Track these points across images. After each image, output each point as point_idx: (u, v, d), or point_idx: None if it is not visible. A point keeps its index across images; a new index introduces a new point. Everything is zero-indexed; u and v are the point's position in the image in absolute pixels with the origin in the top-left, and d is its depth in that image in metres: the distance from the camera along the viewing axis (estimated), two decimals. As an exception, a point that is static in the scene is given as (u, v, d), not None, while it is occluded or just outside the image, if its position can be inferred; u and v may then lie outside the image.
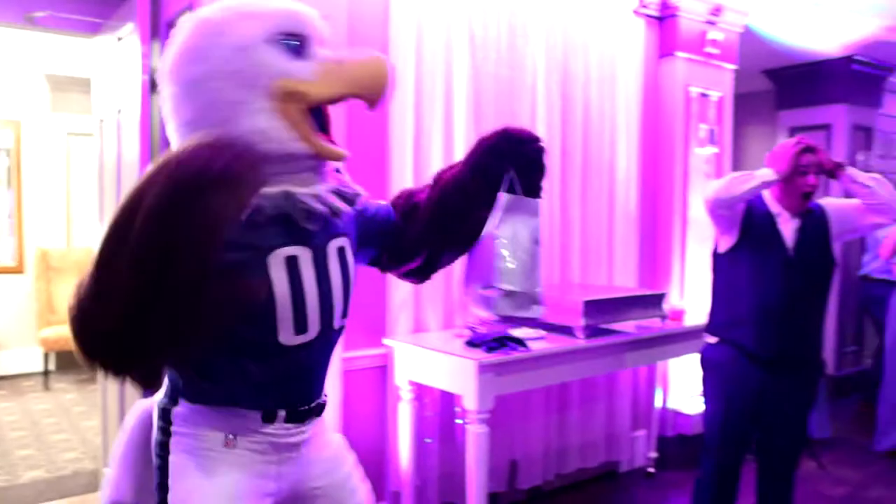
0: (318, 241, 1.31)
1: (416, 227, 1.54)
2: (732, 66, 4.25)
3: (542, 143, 1.56)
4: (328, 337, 1.36)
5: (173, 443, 1.29)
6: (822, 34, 4.80)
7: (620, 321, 3.10)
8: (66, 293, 5.99)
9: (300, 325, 1.27)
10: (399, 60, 2.90)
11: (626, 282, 3.77)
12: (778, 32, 4.74)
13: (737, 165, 5.01)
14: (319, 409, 1.42)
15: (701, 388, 2.76)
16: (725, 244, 2.64)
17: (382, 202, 1.60)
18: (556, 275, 3.47)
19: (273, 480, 1.34)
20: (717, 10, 4.04)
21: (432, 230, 1.54)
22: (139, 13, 2.72)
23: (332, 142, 1.34)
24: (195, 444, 1.28)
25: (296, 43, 1.23)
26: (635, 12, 3.76)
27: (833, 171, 2.48)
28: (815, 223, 2.55)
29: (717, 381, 2.66)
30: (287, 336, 1.26)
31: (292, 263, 1.26)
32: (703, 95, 4.08)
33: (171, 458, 1.29)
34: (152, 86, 2.75)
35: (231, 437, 1.29)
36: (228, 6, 1.24)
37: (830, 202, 2.64)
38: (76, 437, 4.48)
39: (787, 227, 2.55)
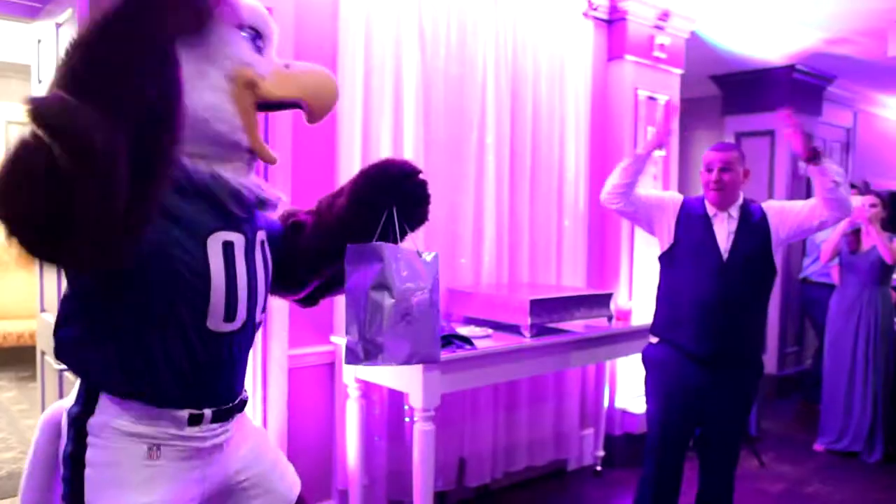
0: (248, 231, 1.31)
1: (296, 256, 1.51)
2: (679, 71, 4.33)
3: (422, 178, 1.52)
4: (250, 329, 1.35)
5: (89, 455, 1.21)
6: (766, 43, 4.93)
7: (567, 321, 3.12)
8: (4, 288, 5.78)
9: (229, 313, 1.26)
10: (348, 56, 2.87)
11: (574, 282, 3.80)
12: (724, 39, 4.85)
13: (683, 168, 5.12)
14: (242, 405, 1.40)
15: (643, 387, 2.80)
16: (663, 245, 2.72)
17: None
18: (505, 274, 3.47)
19: (198, 484, 1.30)
20: (664, 16, 4.11)
21: (311, 262, 1.51)
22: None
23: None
24: (114, 458, 1.21)
25: (257, 38, 1.29)
26: (584, 14, 3.80)
27: (810, 158, 2.48)
28: (753, 225, 2.60)
29: (658, 380, 2.71)
30: (216, 322, 1.24)
31: (228, 249, 1.25)
32: (651, 98, 4.14)
33: (88, 472, 1.20)
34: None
35: (154, 448, 1.23)
36: None
37: (773, 205, 2.68)
38: (15, 436, 4.31)
39: (722, 229, 2.60)
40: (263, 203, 1.32)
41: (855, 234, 4.31)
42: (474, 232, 3.33)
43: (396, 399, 3.07)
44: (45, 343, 3.19)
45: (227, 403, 1.33)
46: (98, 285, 1.19)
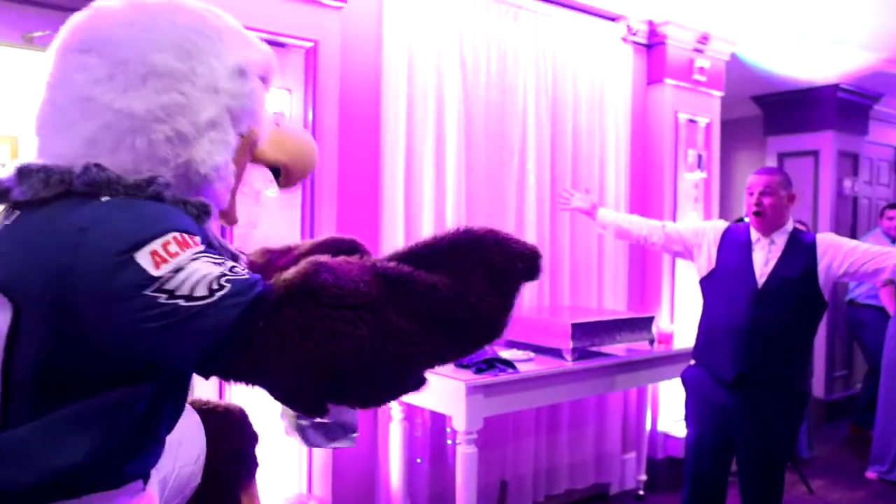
0: None
1: None
2: (719, 93, 4.33)
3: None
4: None
5: None
6: (808, 63, 4.89)
7: (609, 344, 3.12)
8: None
9: None
10: (391, 85, 2.95)
11: (615, 305, 3.80)
12: (765, 60, 4.83)
13: (724, 190, 5.08)
14: None
15: (684, 410, 2.81)
16: (703, 271, 2.75)
17: None
18: (547, 297, 3.50)
19: None
20: (704, 39, 4.12)
21: None
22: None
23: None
24: None
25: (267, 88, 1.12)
26: (623, 39, 3.84)
27: None
28: (797, 254, 2.57)
29: (692, 401, 2.75)
30: None
31: None
32: (692, 121, 4.14)
33: None
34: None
35: None
36: (223, 17, 1.05)
37: (827, 238, 2.62)
38: None
39: (761, 255, 2.61)
40: (235, 257, 1.13)
41: None
42: (515, 256, 3.36)
43: (439, 422, 3.10)
44: None
45: None
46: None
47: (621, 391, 3.78)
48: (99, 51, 0.94)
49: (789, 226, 2.62)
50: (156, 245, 0.84)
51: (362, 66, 2.95)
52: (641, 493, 3.89)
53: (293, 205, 2.59)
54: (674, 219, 4.03)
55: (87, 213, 0.88)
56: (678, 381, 2.94)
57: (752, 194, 2.61)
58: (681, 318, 3.97)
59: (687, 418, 2.80)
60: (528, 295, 3.40)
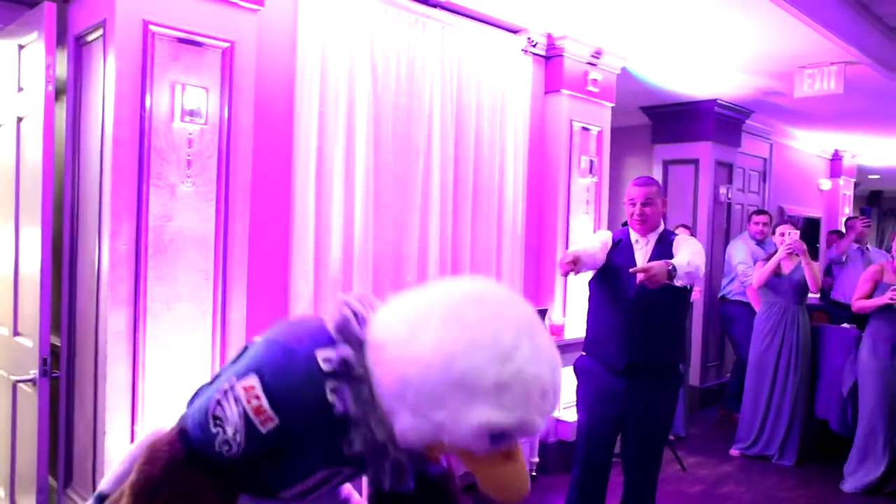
0: None
1: None
2: (610, 104, 4.69)
3: None
4: None
5: None
6: (691, 79, 5.35)
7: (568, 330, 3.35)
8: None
9: None
10: (304, 87, 3.08)
11: (512, 298, 4.06)
12: (652, 75, 5.25)
13: (614, 194, 5.47)
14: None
15: (575, 396, 3.07)
16: (593, 272, 3.00)
17: None
18: (449, 290, 3.71)
19: None
20: (597, 53, 4.46)
21: None
22: (46, 24, 2.75)
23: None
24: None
25: (503, 437, 1.22)
26: (524, 51, 4.11)
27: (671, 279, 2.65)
28: (662, 251, 2.86)
29: (584, 387, 3.00)
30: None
31: None
32: (585, 129, 4.48)
33: None
34: (56, 95, 2.79)
35: None
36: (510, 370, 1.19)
37: (681, 239, 2.91)
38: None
39: (641, 255, 2.90)
40: None
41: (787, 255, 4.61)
42: (419, 252, 3.57)
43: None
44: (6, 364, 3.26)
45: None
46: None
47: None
48: None
49: (661, 227, 2.95)
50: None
51: (277, 67, 3.06)
52: (534, 474, 4.18)
53: (208, 199, 2.68)
54: (567, 220, 4.35)
55: None
56: (570, 369, 3.21)
57: (634, 204, 2.89)
58: (572, 312, 4.29)
59: (578, 405, 3.04)
60: (432, 288, 3.61)
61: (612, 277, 2.91)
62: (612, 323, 2.88)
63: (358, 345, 1.29)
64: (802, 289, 4.64)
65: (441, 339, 1.21)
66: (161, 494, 1.27)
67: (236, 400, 1.24)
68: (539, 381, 1.21)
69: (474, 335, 1.20)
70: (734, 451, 4.84)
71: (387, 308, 1.35)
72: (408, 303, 1.32)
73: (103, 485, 1.68)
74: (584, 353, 3.04)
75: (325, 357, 1.25)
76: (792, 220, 4.90)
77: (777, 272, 4.65)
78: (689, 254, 2.71)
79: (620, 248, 2.94)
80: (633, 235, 2.94)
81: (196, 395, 1.45)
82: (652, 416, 2.91)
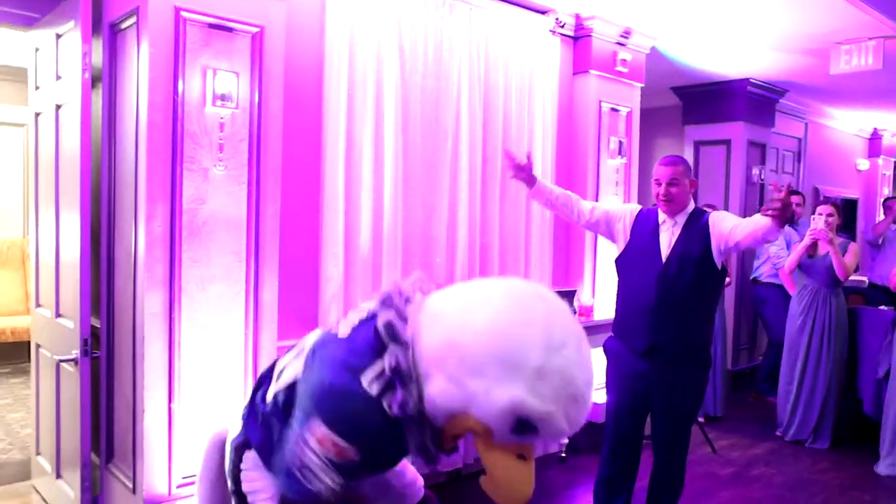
0: None
1: None
2: (640, 84, 4.64)
3: None
4: None
5: (243, 476, 1.63)
6: (722, 58, 5.27)
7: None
8: (-13, 286, 5.88)
9: None
10: (333, 71, 3.11)
11: (541, 280, 4.07)
12: (683, 54, 5.18)
13: (643, 175, 5.42)
14: None
15: (605, 377, 3.07)
16: (617, 250, 2.99)
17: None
18: (477, 273, 3.73)
19: None
20: (626, 33, 4.41)
21: None
22: (82, 12, 2.82)
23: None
24: (261, 485, 1.60)
25: (527, 427, 1.30)
26: (552, 32, 4.09)
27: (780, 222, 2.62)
28: (694, 231, 2.81)
29: (613, 368, 3.00)
30: None
31: None
32: (614, 110, 4.44)
33: (244, 487, 1.62)
34: (93, 83, 2.86)
35: None
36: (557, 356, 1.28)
37: (718, 214, 2.86)
38: (2, 429, 4.45)
39: (667, 236, 2.84)
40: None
41: (812, 242, 4.51)
42: (448, 233, 3.59)
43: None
44: (39, 336, 3.37)
45: None
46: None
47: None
48: None
49: (690, 207, 2.88)
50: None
51: (306, 51, 3.10)
52: (564, 455, 4.20)
53: (240, 182, 2.74)
54: (596, 201, 4.32)
55: None
56: (599, 350, 3.21)
57: (659, 184, 2.83)
58: (601, 293, 4.28)
59: (608, 385, 3.04)
60: (459, 270, 3.63)
61: (635, 258, 2.88)
62: (636, 304, 2.86)
63: (401, 316, 1.37)
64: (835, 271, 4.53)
65: (499, 313, 1.28)
66: None
67: (316, 454, 1.36)
68: (575, 384, 1.27)
69: (531, 318, 1.27)
70: (780, 432, 4.80)
71: (449, 288, 1.44)
72: (469, 285, 1.42)
73: None
74: (612, 335, 3.04)
75: (370, 381, 1.35)
76: (832, 202, 4.73)
77: (811, 254, 4.56)
78: (743, 226, 2.72)
79: (646, 228, 2.89)
80: (661, 216, 2.90)
81: (246, 417, 1.66)
82: (676, 399, 2.88)
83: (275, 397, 1.57)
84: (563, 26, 4.16)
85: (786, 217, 2.54)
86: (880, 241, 6.22)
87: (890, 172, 9.05)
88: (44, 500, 3.34)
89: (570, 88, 4.35)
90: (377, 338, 1.37)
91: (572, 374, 1.27)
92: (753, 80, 5.91)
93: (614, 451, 2.98)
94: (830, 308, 4.56)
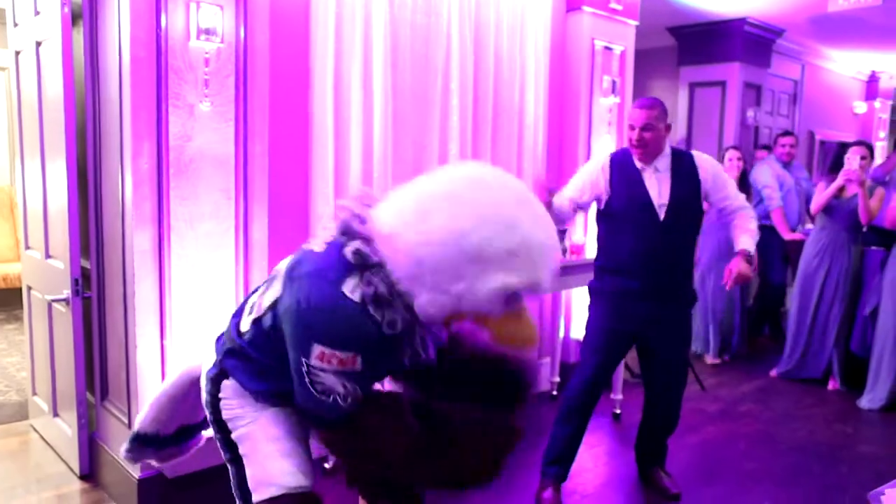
0: None
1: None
2: (635, 22, 4.55)
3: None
4: None
5: (223, 403, 1.65)
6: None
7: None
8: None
9: None
10: (319, 5, 3.04)
11: (533, 221, 4.07)
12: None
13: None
14: None
15: (587, 312, 3.01)
16: (599, 205, 2.90)
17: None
18: (469, 213, 3.72)
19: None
20: (621, -32, 4.31)
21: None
22: (59, -55, 2.74)
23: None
24: (245, 402, 1.63)
25: (516, 296, 1.41)
26: (545, -33, 3.98)
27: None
28: (682, 177, 2.77)
29: (599, 306, 2.93)
30: None
31: None
32: (607, 48, 4.37)
33: (224, 413, 1.65)
34: (73, 19, 2.79)
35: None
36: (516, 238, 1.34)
37: (706, 163, 2.83)
38: (-3, 374, 4.50)
39: (653, 183, 2.76)
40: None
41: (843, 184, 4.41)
42: (439, 174, 3.56)
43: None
44: (30, 278, 3.37)
45: None
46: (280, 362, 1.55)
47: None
48: None
49: (667, 150, 2.80)
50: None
51: (291, -16, 3.01)
52: (555, 393, 4.27)
53: (227, 119, 2.69)
54: (588, 141, 4.30)
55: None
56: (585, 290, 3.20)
57: (633, 129, 2.74)
58: (592, 231, 4.27)
59: (592, 317, 2.95)
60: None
61: (625, 207, 2.80)
62: (633, 253, 2.79)
63: (366, 240, 1.39)
64: (858, 216, 4.42)
65: (450, 219, 1.33)
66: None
67: (323, 370, 1.40)
68: (542, 245, 1.38)
69: (481, 212, 1.33)
70: (774, 373, 4.87)
71: (389, 201, 1.46)
72: (409, 193, 1.44)
73: (139, 425, 1.91)
74: (597, 276, 2.97)
75: (351, 290, 1.38)
76: (868, 145, 4.53)
77: (837, 195, 4.44)
78: (744, 213, 2.85)
79: (627, 175, 2.80)
80: (637, 163, 2.80)
81: (232, 321, 1.67)
82: (674, 337, 2.92)
83: (256, 323, 1.58)
84: (555, -39, 4.06)
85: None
86: (887, 179, 6.20)
87: (886, 115, 8.99)
88: (42, 438, 3.39)
89: (562, 26, 4.27)
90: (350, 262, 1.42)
91: (538, 239, 1.37)
92: (750, 20, 5.82)
93: (591, 389, 2.91)
94: (849, 253, 4.50)
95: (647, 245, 2.76)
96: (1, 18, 5.40)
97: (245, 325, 1.62)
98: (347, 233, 1.43)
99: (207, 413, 1.71)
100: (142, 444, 1.94)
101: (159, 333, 2.64)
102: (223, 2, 2.66)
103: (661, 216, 2.74)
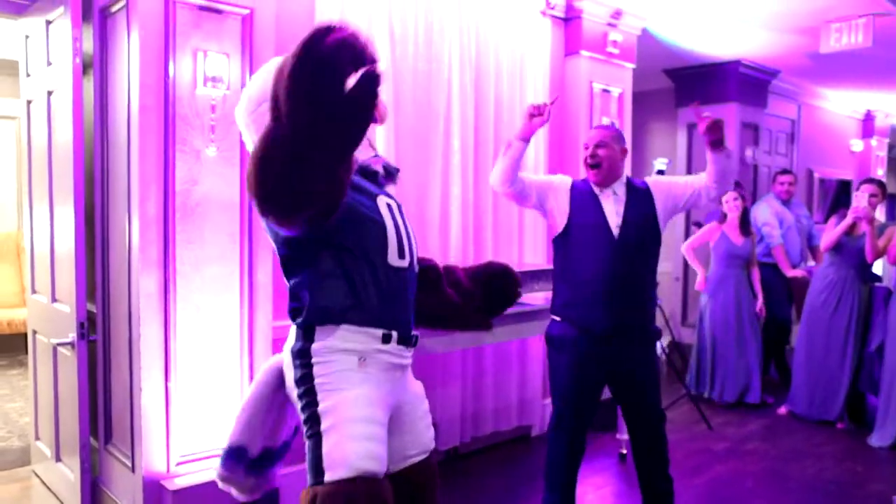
0: (394, 198, 1.90)
1: None
2: (631, 65, 4.65)
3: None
4: (413, 269, 1.88)
5: (316, 371, 1.70)
6: (714, 39, 5.28)
7: (528, 292, 3.40)
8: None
9: (401, 250, 1.81)
10: (324, 51, 3.11)
11: (535, 260, 4.10)
12: (674, 36, 5.19)
13: (637, 157, 5.45)
14: (416, 340, 1.88)
15: (549, 363, 2.87)
16: (557, 227, 2.77)
17: None
18: (471, 255, 3.76)
19: (389, 394, 1.78)
20: (616, 14, 4.42)
21: None
22: (72, -2, 2.83)
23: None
24: (336, 368, 1.70)
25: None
26: (542, 13, 4.09)
27: (715, 144, 2.66)
28: (638, 200, 2.72)
29: (564, 356, 2.75)
30: (393, 257, 1.78)
31: (389, 207, 1.83)
32: (605, 91, 4.46)
33: (317, 382, 1.70)
34: (84, 70, 2.87)
35: (362, 359, 1.73)
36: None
37: (658, 180, 2.82)
38: (0, 418, 4.48)
39: (610, 206, 2.69)
40: (393, 172, 1.97)
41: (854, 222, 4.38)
42: (441, 216, 3.61)
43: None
44: (36, 322, 3.39)
45: (407, 332, 1.82)
46: (317, 239, 1.71)
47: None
48: None
49: (624, 177, 2.76)
50: None
51: (297, 34, 3.05)
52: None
53: (233, 163, 2.75)
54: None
55: None
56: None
57: (587, 147, 2.71)
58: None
59: (556, 371, 2.80)
60: (454, 253, 3.66)
61: (582, 233, 2.71)
62: (589, 282, 2.67)
63: None
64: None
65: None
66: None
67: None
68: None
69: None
70: (782, 410, 4.82)
71: None
72: None
73: (230, 439, 1.93)
74: (556, 319, 2.80)
75: None
76: (880, 183, 4.49)
77: (847, 232, 4.42)
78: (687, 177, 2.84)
79: (585, 201, 2.73)
80: (595, 188, 2.73)
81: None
82: (641, 378, 2.77)
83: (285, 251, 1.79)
84: (553, 8, 4.17)
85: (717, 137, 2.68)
86: None
87: (884, 153, 9.07)
88: (44, 483, 3.37)
89: (561, 70, 4.36)
90: None
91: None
92: (745, 62, 5.92)
93: (573, 443, 2.78)
94: (859, 292, 4.47)
95: (603, 266, 2.65)
96: (10, 70, 5.54)
97: (289, 274, 1.81)
98: None
99: (296, 391, 1.75)
100: (235, 460, 1.93)
101: (164, 376, 2.65)
102: (230, 50, 2.74)
103: (616, 235, 2.66)
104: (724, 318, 5.01)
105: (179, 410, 2.68)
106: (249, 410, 1.91)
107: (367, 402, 1.69)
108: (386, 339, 1.75)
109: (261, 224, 1.79)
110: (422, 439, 1.91)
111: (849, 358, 4.52)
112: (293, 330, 1.79)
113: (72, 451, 3.02)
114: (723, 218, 4.98)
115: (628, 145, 4.56)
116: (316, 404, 1.69)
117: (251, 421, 1.91)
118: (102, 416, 3.01)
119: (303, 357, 1.73)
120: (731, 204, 4.94)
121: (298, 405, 1.75)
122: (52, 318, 3.16)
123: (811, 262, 5.75)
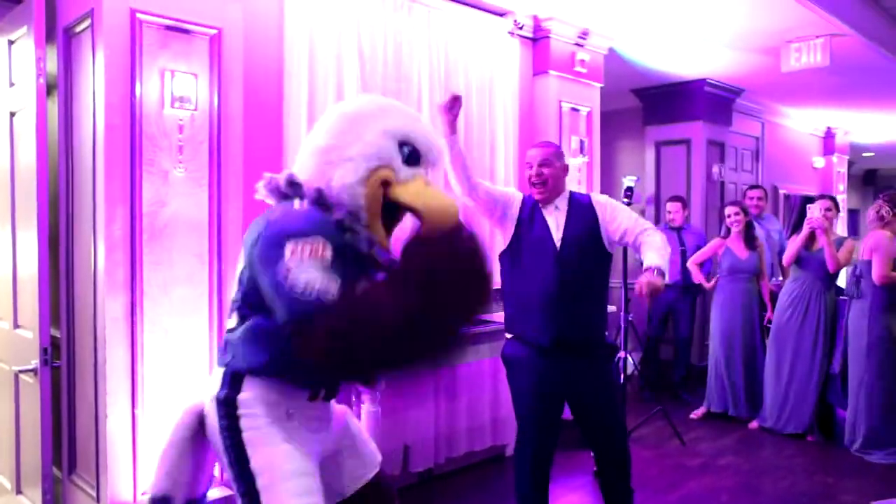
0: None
1: None
2: (599, 84, 4.72)
3: None
4: None
5: (243, 423, 1.63)
6: (679, 58, 5.38)
7: (498, 311, 3.39)
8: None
9: None
10: (293, 73, 3.11)
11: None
12: (641, 55, 5.28)
13: (606, 174, 5.51)
14: (337, 393, 1.84)
15: (508, 383, 2.84)
16: (504, 241, 2.79)
17: None
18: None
19: (319, 443, 1.74)
20: (584, 34, 4.49)
21: None
22: (35, 17, 2.79)
23: (388, 236, 1.70)
24: (264, 421, 1.63)
25: (414, 154, 1.64)
26: (511, 33, 4.14)
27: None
28: (581, 214, 2.71)
29: (517, 375, 2.76)
30: None
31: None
32: (574, 110, 4.51)
33: (245, 435, 1.62)
34: (48, 90, 2.83)
35: (290, 413, 1.67)
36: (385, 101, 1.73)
37: (601, 198, 2.79)
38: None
39: (553, 220, 2.71)
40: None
41: (810, 234, 4.50)
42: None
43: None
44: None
45: (334, 390, 1.79)
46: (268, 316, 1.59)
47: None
48: None
49: (566, 192, 2.77)
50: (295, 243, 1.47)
51: (266, 54, 3.10)
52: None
53: (201, 184, 2.72)
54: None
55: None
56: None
57: (531, 166, 2.72)
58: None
59: (513, 391, 2.80)
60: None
61: (526, 246, 2.71)
62: (533, 295, 2.67)
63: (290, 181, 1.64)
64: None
65: (325, 116, 1.72)
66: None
67: (298, 266, 1.44)
68: (409, 108, 1.76)
69: (348, 100, 1.83)
70: (754, 425, 4.85)
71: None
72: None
73: (153, 489, 1.79)
74: (509, 337, 2.82)
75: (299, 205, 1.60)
76: (832, 198, 4.68)
77: (808, 246, 4.54)
78: (643, 234, 2.66)
79: (530, 215, 2.74)
80: (540, 204, 2.75)
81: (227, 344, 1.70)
82: (598, 395, 2.73)
83: (237, 304, 1.68)
84: (521, 28, 4.22)
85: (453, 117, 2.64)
86: None
87: (844, 170, 9.31)
88: (5, 516, 3.26)
89: (530, 89, 4.41)
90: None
91: (403, 104, 1.76)
92: (710, 81, 6.05)
93: (538, 461, 2.76)
94: (824, 303, 4.55)
95: (546, 278, 2.65)
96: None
97: (231, 323, 1.70)
98: (276, 189, 1.66)
99: (222, 443, 1.65)
100: None
101: (131, 402, 2.59)
102: (198, 70, 2.72)
103: (558, 247, 2.67)
104: (730, 333, 5.03)
105: (147, 438, 2.62)
106: (170, 456, 1.79)
107: (300, 456, 1.64)
108: (313, 395, 1.71)
109: (238, 256, 1.68)
110: (367, 459, 1.90)
111: (816, 371, 4.58)
112: (218, 372, 1.70)
113: (33, 483, 2.92)
114: (727, 233, 5.04)
115: (596, 163, 4.67)
116: (247, 461, 1.62)
117: (171, 469, 1.78)
118: (66, 444, 2.92)
119: (228, 407, 1.64)
120: (733, 219, 4.98)
121: (224, 458, 1.66)
122: (13, 344, 3.07)
123: (782, 278, 5.84)
